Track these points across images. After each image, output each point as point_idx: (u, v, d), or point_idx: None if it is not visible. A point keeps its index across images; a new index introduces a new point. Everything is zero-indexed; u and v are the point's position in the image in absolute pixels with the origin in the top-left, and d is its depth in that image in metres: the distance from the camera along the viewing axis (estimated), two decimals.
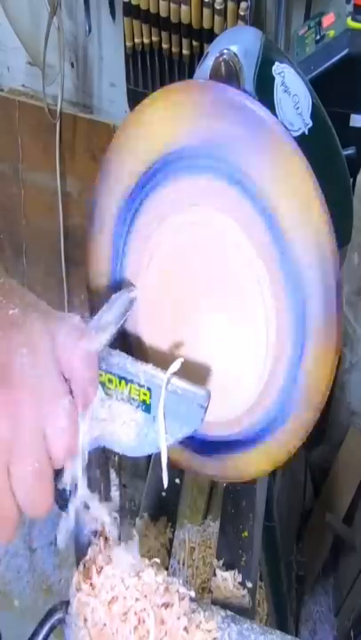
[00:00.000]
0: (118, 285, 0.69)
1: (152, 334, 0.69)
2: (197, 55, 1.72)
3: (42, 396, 0.47)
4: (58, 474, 0.51)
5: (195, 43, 1.70)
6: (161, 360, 0.57)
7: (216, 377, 0.67)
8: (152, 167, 0.64)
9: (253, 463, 0.70)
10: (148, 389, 0.54)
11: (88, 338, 0.51)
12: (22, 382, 0.47)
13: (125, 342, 0.70)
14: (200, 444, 0.71)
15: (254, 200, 0.60)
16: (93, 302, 0.71)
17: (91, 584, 0.54)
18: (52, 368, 0.48)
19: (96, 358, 0.51)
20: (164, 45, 1.73)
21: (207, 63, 0.63)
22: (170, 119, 0.61)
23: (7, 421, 0.46)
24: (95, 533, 0.59)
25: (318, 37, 0.91)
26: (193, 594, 0.60)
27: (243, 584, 0.78)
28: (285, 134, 0.59)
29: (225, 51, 0.59)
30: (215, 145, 0.60)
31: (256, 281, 0.63)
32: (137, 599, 0.55)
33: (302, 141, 0.66)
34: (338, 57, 0.88)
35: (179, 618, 0.59)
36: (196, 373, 0.65)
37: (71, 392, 0.50)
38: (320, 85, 0.75)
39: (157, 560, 0.59)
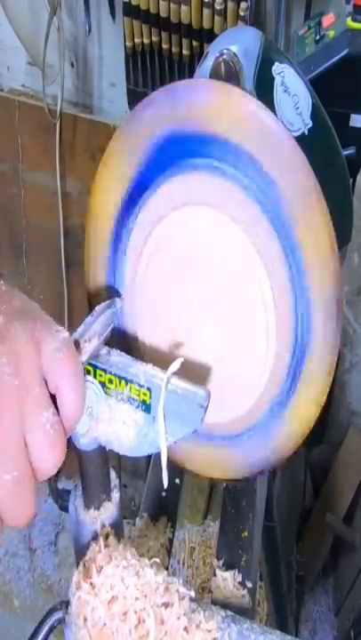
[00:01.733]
0: (115, 286, 0.69)
1: (152, 335, 0.69)
2: (197, 55, 1.72)
3: (23, 406, 0.46)
4: (57, 475, 0.51)
5: (195, 43, 1.70)
6: (160, 360, 0.57)
7: (217, 377, 0.67)
8: (152, 167, 0.64)
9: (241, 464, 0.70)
10: (148, 389, 0.54)
11: (74, 353, 0.50)
12: (2, 391, 0.46)
13: (125, 342, 0.70)
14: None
15: (260, 202, 0.61)
16: (92, 303, 0.71)
17: (91, 583, 0.54)
18: (34, 379, 0.47)
19: (82, 373, 0.51)
20: (164, 45, 1.74)
21: (207, 63, 0.63)
22: (170, 118, 0.61)
23: None
24: (95, 533, 0.58)
25: (318, 37, 0.91)
26: (193, 594, 0.59)
27: (243, 584, 0.78)
28: (287, 135, 0.59)
29: (225, 51, 0.59)
30: (220, 145, 0.59)
31: (257, 282, 0.63)
32: (137, 598, 0.55)
33: (302, 141, 0.66)
34: (338, 57, 0.88)
35: (179, 618, 0.58)
36: (196, 374, 0.65)
37: (56, 405, 0.49)
38: (320, 85, 0.75)
39: (157, 560, 0.59)
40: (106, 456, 0.57)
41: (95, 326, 0.57)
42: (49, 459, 0.48)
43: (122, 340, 0.70)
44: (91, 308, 0.60)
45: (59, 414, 0.49)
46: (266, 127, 0.58)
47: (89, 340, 0.55)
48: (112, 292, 0.69)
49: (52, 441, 0.47)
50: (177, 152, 0.62)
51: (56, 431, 0.48)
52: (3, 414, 0.46)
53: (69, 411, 0.49)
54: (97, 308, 0.61)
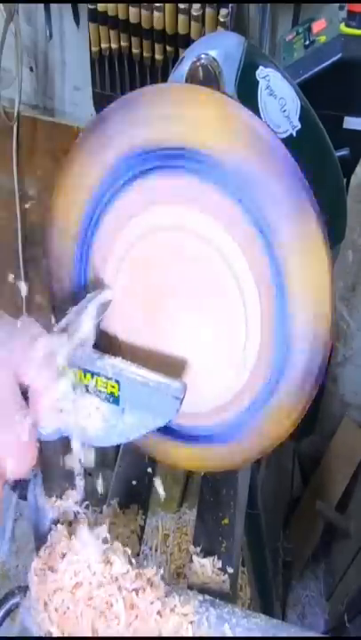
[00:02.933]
0: (82, 285, 0.69)
1: (124, 331, 0.69)
2: (172, 59, 1.69)
3: None
4: None
5: (169, 48, 1.67)
6: (135, 356, 0.58)
7: (193, 370, 0.68)
8: (123, 167, 0.64)
9: (220, 457, 0.72)
10: (117, 382, 0.55)
11: (47, 344, 0.51)
12: None
13: (98, 339, 0.71)
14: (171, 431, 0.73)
15: (240, 201, 0.61)
16: (56, 302, 0.71)
17: (52, 569, 0.56)
18: (5, 379, 0.48)
19: (53, 366, 0.51)
20: (135, 50, 1.71)
21: (183, 68, 0.63)
22: (144, 120, 0.61)
23: None
24: (57, 521, 0.60)
25: (308, 42, 0.92)
26: (165, 578, 0.61)
27: (223, 570, 0.79)
28: (267, 131, 0.59)
29: (203, 55, 0.60)
30: (195, 149, 0.60)
31: (235, 282, 0.64)
32: (103, 584, 0.56)
33: (291, 143, 0.67)
34: (331, 61, 0.89)
35: (152, 602, 0.59)
36: (172, 367, 0.66)
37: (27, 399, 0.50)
38: (312, 88, 0.76)
39: (126, 546, 0.60)
40: (69, 445, 0.57)
41: (83, 316, 0.59)
42: (14, 461, 0.48)
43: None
44: (53, 308, 0.61)
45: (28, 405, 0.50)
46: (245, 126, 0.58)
47: (75, 331, 0.56)
48: (78, 292, 0.69)
49: (18, 444, 0.48)
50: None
51: (25, 433, 0.48)
52: None
53: (35, 403, 0.50)
54: (87, 296, 0.62)
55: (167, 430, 0.71)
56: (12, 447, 0.48)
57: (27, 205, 2.13)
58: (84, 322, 0.58)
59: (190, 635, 0.60)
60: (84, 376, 0.56)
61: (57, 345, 0.53)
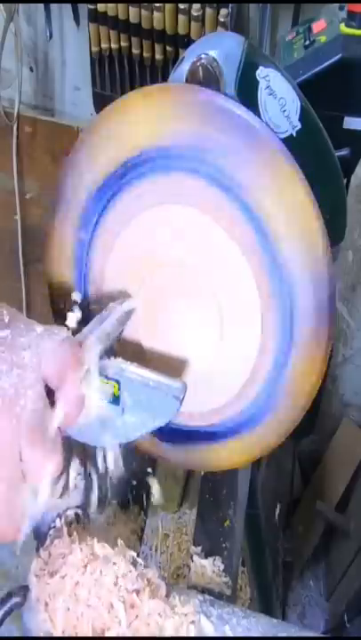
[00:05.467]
0: (83, 284, 0.69)
1: (124, 331, 0.67)
2: (172, 59, 1.70)
3: (21, 416, 0.47)
4: None
5: (169, 48, 1.68)
6: (134, 355, 0.58)
7: (195, 369, 0.68)
8: (124, 166, 0.64)
9: (224, 457, 0.72)
10: (117, 382, 0.55)
11: (77, 353, 0.51)
12: (2, 402, 0.47)
13: None
14: (170, 432, 0.72)
15: (238, 200, 0.61)
16: (55, 302, 0.70)
17: (52, 569, 0.56)
18: (35, 386, 0.48)
19: (80, 371, 0.51)
20: (135, 51, 1.72)
21: (183, 68, 0.63)
22: (145, 120, 0.62)
23: None
24: (59, 520, 0.60)
25: (308, 42, 0.92)
26: (166, 578, 0.61)
27: (223, 570, 0.80)
28: (268, 133, 0.59)
29: (203, 55, 0.60)
30: (195, 146, 0.60)
31: (239, 277, 0.64)
32: (103, 584, 0.56)
33: (291, 143, 0.67)
34: (331, 61, 0.89)
35: (152, 602, 0.59)
36: (172, 366, 0.66)
37: (53, 404, 0.50)
38: (312, 88, 0.76)
39: (127, 546, 0.60)
40: (70, 445, 0.57)
41: (105, 325, 0.58)
42: (39, 472, 0.49)
43: None
44: (53, 310, 0.61)
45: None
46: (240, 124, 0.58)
47: (99, 339, 0.56)
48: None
49: (46, 454, 0.48)
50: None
51: (50, 444, 0.49)
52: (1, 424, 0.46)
53: (66, 411, 0.51)
54: (110, 305, 0.62)
55: (200, 436, 0.71)
56: (42, 448, 0.48)
57: (27, 197, 2.13)
58: (106, 330, 0.58)
59: (190, 635, 0.60)
60: None
61: (85, 350, 0.53)
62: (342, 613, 1.84)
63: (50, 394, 0.51)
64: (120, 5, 1.66)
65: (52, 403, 0.51)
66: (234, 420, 0.70)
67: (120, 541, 0.60)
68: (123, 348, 0.69)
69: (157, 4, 1.60)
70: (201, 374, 0.68)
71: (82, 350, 0.54)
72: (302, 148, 0.70)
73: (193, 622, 0.62)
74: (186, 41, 1.63)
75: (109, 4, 1.68)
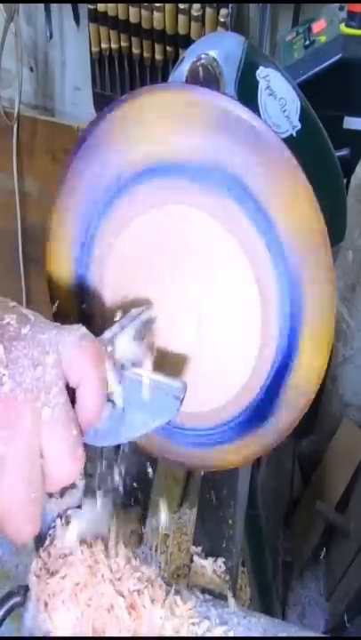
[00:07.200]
0: (82, 285, 0.69)
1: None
2: (172, 59, 1.70)
3: (43, 412, 0.47)
4: None
5: (169, 48, 1.68)
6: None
7: (195, 369, 0.68)
8: (126, 169, 0.63)
9: (224, 457, 0.72)
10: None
11: (97, 349, 0.50)
12: (24, 397, 0.46)
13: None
14: (170, 433, 0.72)
15: (243, 203, 0.61)
16: (54, 298, 0.70)
17: (52, 569, 0.56)
18: (57, 382, 0.48)
19: (104, 372, 0.51)
20: (135, 50, 1.72)
21: (183, 68, 0.63)
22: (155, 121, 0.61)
23: (2, 432, 0.45)
24: (59, 520, 0.60)
25: (308, 43, 0.93)
26: (166, 578, 0.61)
27: (223, 570, 0.80)
28: (270, 132, 0.59)
29: (203, 55, 0.60)
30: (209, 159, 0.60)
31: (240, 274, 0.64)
32: (104, 584, 0.57)
33: (291, 143, 0.67)
34: (331, 61, 0.90)
35: (153, 602, 0.59)
36: (172, 366, 0.66)
37: (73, 402, 0.49)
38: (312, 88, 0.76)
39: (127, 547, 0.60)
40: None
41: (128, 330, 0.58)
42: (60, 471, 0.48)
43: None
44: (54, 308, 0.61)
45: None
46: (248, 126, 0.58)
47: (117, 345, 0.56)
48: (79, 289, 0.69)
49: (67, 454, 0.48)
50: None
51: (72, 444, 0.48)
52: (23, 420, 0.46)
53: (88, 409, 0.50)
54: (132, 311, 0.62)
55: (200, 436, 0.71)
56: (57, 457, 0.48)
57: (27, 198, 2.13)
58: (125, 340, 0.58)
59: (190, 635, 0.60)
60: None
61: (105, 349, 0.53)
62: (342, 613, 1.84)
63: (70, 392, 0.51)
64: (120, 5, 1.67)
65: (73, 401, 0.51)
66: (234, 419, 0.70)
67: (120, 541, 0.60)
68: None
69: (157, 4, 1.60)
70: (201, 374, 0.68)
71: (101, 347, 0.53)
72: (302, 148, 0.70)
73: (193, 622, 0.62)
74: (186, 41, 1.64)
75: (109, 4, 1.69)
